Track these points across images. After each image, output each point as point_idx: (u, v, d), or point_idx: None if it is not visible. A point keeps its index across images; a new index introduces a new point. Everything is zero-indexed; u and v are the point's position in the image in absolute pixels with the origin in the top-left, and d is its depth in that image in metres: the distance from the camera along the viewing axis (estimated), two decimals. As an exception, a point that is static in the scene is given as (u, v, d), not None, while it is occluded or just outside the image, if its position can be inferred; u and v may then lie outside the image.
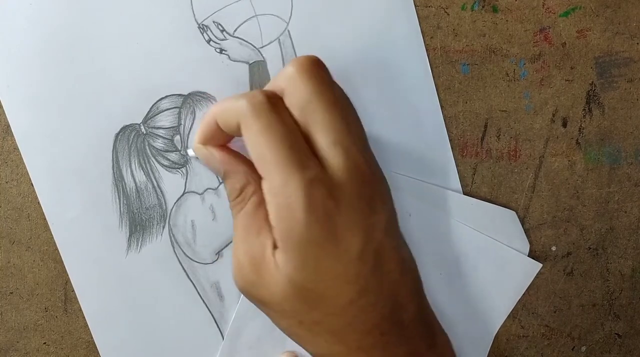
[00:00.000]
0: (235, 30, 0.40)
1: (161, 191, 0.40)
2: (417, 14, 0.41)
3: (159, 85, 0.40)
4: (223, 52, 0.40)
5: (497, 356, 0.44)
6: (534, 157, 0.43)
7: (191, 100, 0.40)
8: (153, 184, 0.40)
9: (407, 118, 0.42)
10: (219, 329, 0.41)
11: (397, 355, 0.31)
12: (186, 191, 0.40)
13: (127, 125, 0.40)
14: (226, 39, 0.40)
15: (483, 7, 0.42)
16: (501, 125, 0.43)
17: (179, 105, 0.40)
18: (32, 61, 0.39)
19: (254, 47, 0.40)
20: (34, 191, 0.39)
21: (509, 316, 0.43)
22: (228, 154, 0.33)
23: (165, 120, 0.40)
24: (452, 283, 0.42)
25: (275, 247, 0.29)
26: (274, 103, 0.29)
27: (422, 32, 0.41)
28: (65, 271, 0.39)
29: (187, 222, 0.40)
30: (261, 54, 0.40)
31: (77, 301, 0.40)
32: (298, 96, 0.30)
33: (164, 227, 0.40)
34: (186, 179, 0.40)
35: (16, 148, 0.39)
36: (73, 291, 0.40)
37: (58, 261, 0.39)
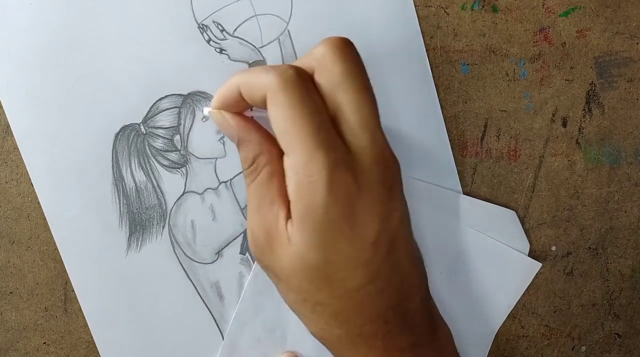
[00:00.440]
0: (235, 30, 0.40)
1: (161, 191, 0.40)
2: (417, 14, 0.41)
3: (158, 85, 0.40)
4: (223, 52, 0.40)
5: (497, 356, 0.44)
6: (533, 157, 0.43)
7: (191, 100, 0.40)
8: (153, 184, 0.40)
9: (407, 118, 0.41)
10: (219, 329, 0.41)
11: (398, 344, 0.31)
12: (186, 190, 0.40)
13: (127, 125, 0.40)
14: (226, 39, 0.40)
15: (483, 7, 0.42)
16: (501, 125, 0.43)
17: (178, 105, 0.40)
18: (32, 61, 0.39)
19: (254, 47, 0.40)
20: (34, 190, 0.39)
21: (509, 316, 0.43)
22: (244, 121, 0.32)
23: (165, 120, 0.40)
24: (452, 283, 0.42)
25: (288, 218, 0.29)
26: (304, 79, 0.29)
27: (422, 32, 0.41)
28: (65, 271, 0.39)
29: (187, 222, 0.40)
30: (261, 54, 0.41)
31: (77, 301, 0.40)
32: (329, 76, 0.29)
33: (164, 227, 0.40)
34: (186, 179, 0.40)
35: (16, 148, 0.39)
36: (73, 291, 0.40)
37: (58, 261, 0.39)
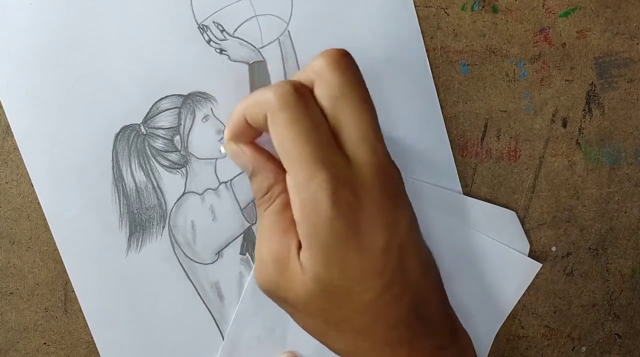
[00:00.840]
0: (235, 31, 0.40)
1: (161, 191, 0.40)
2: (417, 14, 0.41)
3: (158, 86, 0.40)
4: (223, 52, 0.40)
5: (497, 356, 0.44)
6: (534, 157, 0.43)
7: (191, 100, 0.40)
8: (153, 184, 0.40)
9: (407, 118, 0.41)
10: (219, 329, 0.41)
11: (423, 349, 0.31)
12: (186, 191, 0.40)
13: (127, 126, 0.40)
14: (226, 39, 0.40)
15: (483, 7, 0.42)
16: (501, 126, 0.43)
17: (178, 106, 0.40)
18: (32, 61, 0.39)
19: (254, 47, 0.40)
20: (34, 191, 0.39)
21: (509, 316, 0.43)
22: (256, 151, 0.32)
23: (165, 120, 0.40)
24: (452, 283, 0.42)
25: (300, 247, 0.29)
26: (302, 93, 0.29)
27: (422, 32, 0.41)
28: (65, 271, 0.39)
29: (187, 222, 0.40)
30: (261, 54, 0.40)
31: (77, 301, 0.40)
32: (328, 88, 0.29)
33: (163, 228, 0.40)
34: (186, 179, 0.40)
35: (16, 148, 0.39)
36: (73, 291, 0.40)
37: (58, 261, 0.39)
